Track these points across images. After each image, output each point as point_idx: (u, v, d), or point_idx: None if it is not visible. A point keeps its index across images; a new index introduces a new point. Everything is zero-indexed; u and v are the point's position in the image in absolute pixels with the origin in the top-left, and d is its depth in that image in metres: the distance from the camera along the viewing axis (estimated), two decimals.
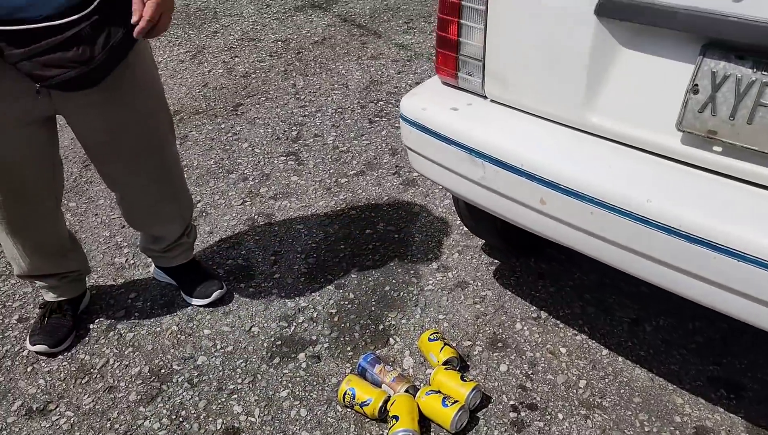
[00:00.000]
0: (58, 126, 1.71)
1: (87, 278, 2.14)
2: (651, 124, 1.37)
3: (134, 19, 1.42)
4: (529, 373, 1.85)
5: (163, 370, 1.88)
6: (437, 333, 1.91)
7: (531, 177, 1.46)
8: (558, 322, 2.02)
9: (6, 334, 2.02)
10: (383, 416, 1.71)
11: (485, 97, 1.69)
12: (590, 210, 1.38)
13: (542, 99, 1.54)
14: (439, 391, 1.73)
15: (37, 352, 1.91)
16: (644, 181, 1.33)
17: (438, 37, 1.74)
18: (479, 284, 2.18)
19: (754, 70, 1.20)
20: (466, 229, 2.35)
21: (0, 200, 1.65)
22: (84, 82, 1.54)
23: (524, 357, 1.90)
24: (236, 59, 4.03)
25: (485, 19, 1.60)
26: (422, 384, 1.81)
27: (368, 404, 1.70)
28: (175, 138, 1.88)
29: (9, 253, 1.81)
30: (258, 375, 1.86)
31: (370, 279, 2.22)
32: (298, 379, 1.85)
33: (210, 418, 1.74)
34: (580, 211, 1.40)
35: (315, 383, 1.84)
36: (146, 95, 1.73)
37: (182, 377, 1.86)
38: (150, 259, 2.24)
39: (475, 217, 2.12)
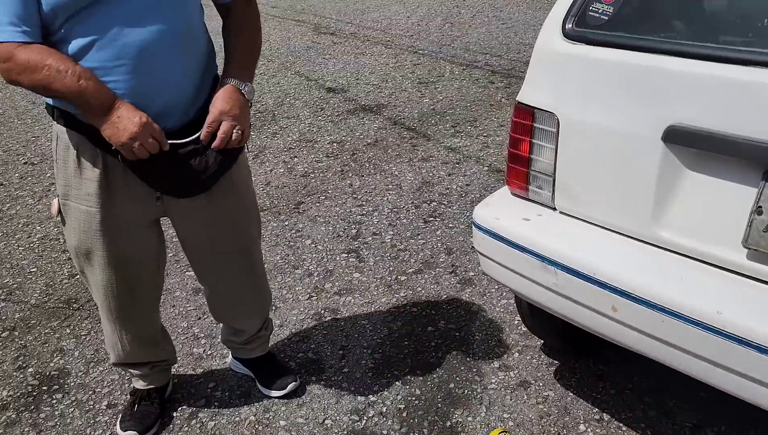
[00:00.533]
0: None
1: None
2: (718, 240, 1.49)
3: (203, 135, 1.63)
4: None
5: None
6: (506, 432, 1.99)
7: (603, 286, 1.58)
8: (621, 424, 2.08)
9: (97, 419, 2.14)
10: None
11: (555, 209, 1.84)
12: (661, 319, 1.48)
13: (612, 213, 1.68)
14: None
15: None
16: (714, 293, 1.45)
17: (510, 153, 1.91)
18: (541, 384, 2.26)
19: None
20: (526, 329, 2.45)
21: (113, 292, 1.82)
22: (198, 189, 1.73)
23: None
24: (295, 159, 4.28)
25: (556, 139, 1.77)
26: None
27: None
28: (260, 237, 2.05)
29: (110, 341, 1.96)
30: None
31: (434, 376, 2.32)
32: None
33: None
34: (652, 319, 1.50)
35: None
36: (242, 199, 1.91)
37: None
38: (226, 350, 2.38)
39: (537, 318, 2.23)
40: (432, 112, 5.09)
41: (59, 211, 1.77)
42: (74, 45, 1.50)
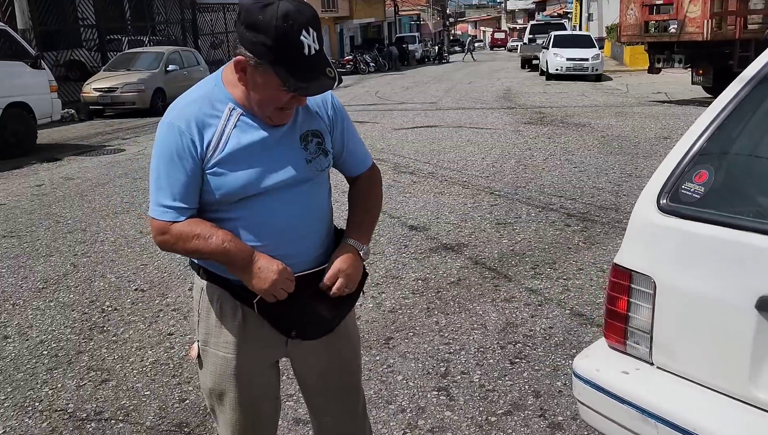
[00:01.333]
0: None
1: None
2: None
3: (324, 284, 1.89)
4: None
5: None
6: None
7: None
8: None
9: None
10: None
11: (652, 364, 1.98)
12: None
13: (709, 373, 1.82)
14: None
15: None
16: None
17: (608, 309, 2.09)
18: None
19: None
20: None
21: (240, 429, 2.03)
22: (323, 330, 1.97)
23: None
24: (383, 295, 4.53)
25: (653, 300, 1.95)
26: None
27: None
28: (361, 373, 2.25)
29: None
30: None
31: None
32: None
33: None
34: None
35: None
36: (351, 339, 2.14)
37: None
38: None
39: None
40: (511, 253, 5.31)
41: (198, 356, 2.03)
42: (229, 226, 1.83)
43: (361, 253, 1.96)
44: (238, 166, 1.82)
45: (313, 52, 1.68)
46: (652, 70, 15.34)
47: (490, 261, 5.15)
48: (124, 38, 22.54)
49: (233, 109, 1.84)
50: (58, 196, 7.91)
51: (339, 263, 1.91)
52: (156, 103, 16.15)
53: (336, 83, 1.75)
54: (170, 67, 16.90)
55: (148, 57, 17.50)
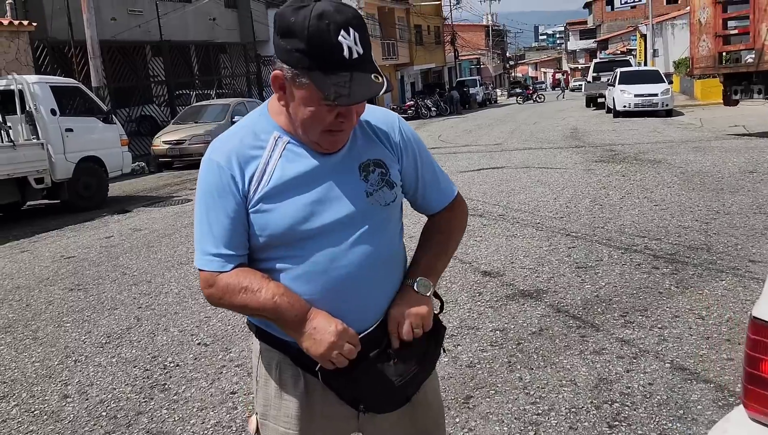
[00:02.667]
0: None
1: None
2: None
3: (393, 344, 1.61)
4: None
5: None
6: None
7: None
8: None
9: None
10: None
11: None
12: None
13: None
14: None
15: None
16: None
17: (748, 373, 1.72)
18: None
19: None
20: None
21: None
22: (399, 401, 1.67)
23: None
24: (459, 347, 4.18)
25: None
26: None
27: None
28: None
29: None
30: None
31: None
32: None
33: None
34: None
35: None
36: (432, 409, 1.82)
37: None
38: None
39: None
40: (596, 300, 4.89)
41: (257, 430, 1.75)
42: (281, 277, 1.57)
43: (427, 292, 1.67)
44: (284, 201, 1.57)
45: (355, 55, 1.44)
46: (729, 102, 14.63)
47: (573, 308, 4.74)
48: (192, 92, 23.24)
49: (279, 137, 1.60)
50: (126, 248, 7.91)
51: (400, 304, 1.63)
52: None
53: (384, 89, 1.47)
54: (236, 118, 17.15)
55: (215, 109, 17.88)
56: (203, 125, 16.91)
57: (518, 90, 49.71)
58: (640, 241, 6.43)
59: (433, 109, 35.35)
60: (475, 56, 65.11)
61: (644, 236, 6.58)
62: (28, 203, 11.08)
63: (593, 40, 76.34)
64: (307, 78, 1.45)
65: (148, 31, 21.89)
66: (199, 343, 4.59)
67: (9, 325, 5.33)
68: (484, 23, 70.21)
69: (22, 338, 4.97)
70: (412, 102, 36.72)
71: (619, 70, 24.35)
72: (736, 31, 13.81)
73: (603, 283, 5.25)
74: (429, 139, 20.10)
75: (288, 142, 1.59)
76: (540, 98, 46.60)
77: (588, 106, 30.48)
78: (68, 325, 5.22)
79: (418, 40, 46.02)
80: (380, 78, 1.48)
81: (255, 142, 1.60)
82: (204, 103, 19.50)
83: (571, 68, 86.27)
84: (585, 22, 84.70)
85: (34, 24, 16.13)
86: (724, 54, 14.29)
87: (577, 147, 15.02)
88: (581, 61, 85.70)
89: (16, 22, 15.49)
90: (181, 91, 23.15)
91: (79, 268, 7.06)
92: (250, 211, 1.57)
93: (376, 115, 1.75)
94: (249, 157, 1.58)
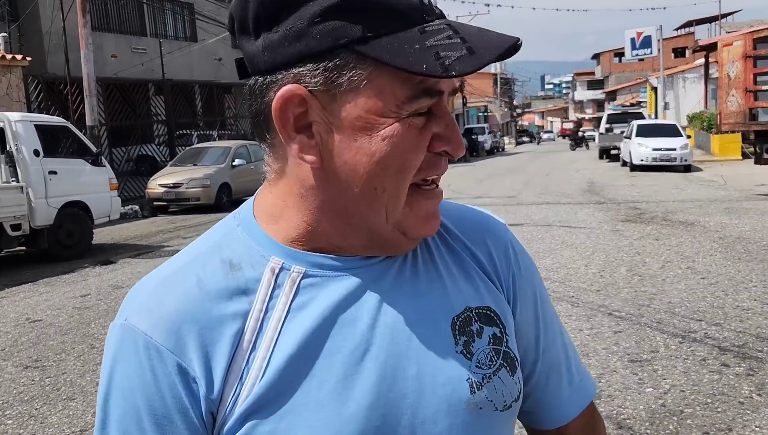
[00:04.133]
0: None
1: None
2: None
3: None
4: None
5: None
6: None
7: None
8: None
9: None
10: None
11: None
12: None
13: None
14: None
15: None
16: None
17: None
18: None
19: None
20: None
21: None
22: None
23: None
24: None
25: None
26: None
27: None
28: None
29: None
30: None
31: None
32: None
33: None
34: None
35: None
36: None
37: None
38: None
39: None
40: (664, 411, 3.91)
41: None
42: None
43: None
44: (303, 410, 0.73)
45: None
46: (760, 160, 13.82)
47: (638, 423, 3.77)
48: (193, 133, 22.57)
49: (281, 268, 0.77)
50: (101, 311, 6.95)
51: None
52: (221, 199, 15.63)
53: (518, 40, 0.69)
54: (237, 162, 16.40)
55: (215, 152, 17.12)
56: (202, 168, 16.11)
57: (572, 137, 48.14)
58: (697, 325, 5.47)
59: None
60: (482, 103, 64.88)
61: (700, 320, 5.62)
62: (4, 251, 10.15)
63: (601, 90, 76.44)
64: (367, 63, 0.69)
65: (151, 70, 21.31)
66: None
67: None
68: (493, 71, 70.35)
69: None
70: None
71: (635, 122, 23.66)
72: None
73: (667, 386, 4.28)
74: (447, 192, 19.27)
75: (303, 275, 0.77)
76: (587, 145, 45.49)
77: (601, 157, 29.77)
78: (9, 421, 4.23)
79: None
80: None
81: (231, 287, 0.76)
82: (204, 145, 18.76)
83: (578, 118, 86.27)
84: (592, 73, 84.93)
85: (28, 58, 15.42)
86: (755, 109, 13.53)
87: (598, 203, 14.15)
88: (588, 111, 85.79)
89: (8, 56, 14.78)
90: (182, 132, 22.46)
91: (42, 337, 6.10)
92: None
93: (466, 219, 0.90)
94: (219, 323, 0.74)
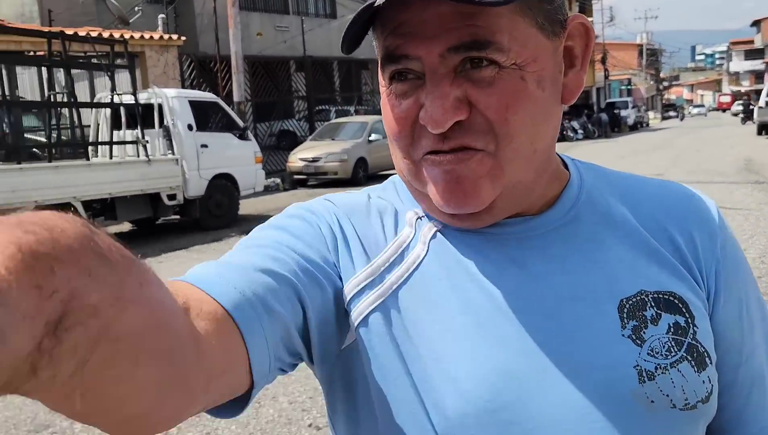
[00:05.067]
0: None
1: None
2: None
3: None
4: None
5: None
6: None
7: None
8: None
9: None
10: None
11: None
12: None
13: None
14: None
15: None
16: None
17: None
18: None
19: None
20: None
21: None
22: None
23: None
24: None
25: None
26: None
27: None
28: None
29: None
30: None
31: None
32: None
33: None
34: None
35: None
36: None
37: None
38: None
39: None
40: None
41: None
42: None
43: None
44: (429, 344, 0.71)
45: None
46: None
47: None
48: (331, 108, 23.11)
49: (420, 216, 0.78)
50: None
51: None
52: (357, 174, 15.89)
53: None
54: (373, 137, 16.59)
55: (353, 126, 17.41)
56: (339, 143, 16.46)
57: (742, 110, 43.73)
58: None
59: (579, 131, 33.38)
60: (626, 76, 61.68)
61: None
62: (161, 219, 10.91)
63: (761, 60, 70.28)
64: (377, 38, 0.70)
65: (293, 47, 21.98)
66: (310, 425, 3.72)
67: None
68: (638, 42, 66.57)
69: None
70: None
71: None
72: None
73: None
74: None
75: (436, 229, 0.76)
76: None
77: (760, 133, 27.42)
78: None
79: None
80: None
81: (379, 221, 0.78)
82: (342, 120, 19.14)
83: (732, 91, 79.96)
84: (751, 41, 78.25)
85: (183, 38, 16.40)
86: None
87: (757, 182, 13.04)
88: (745, 83, 79.26)
89: (166, 37, 15.79)
90: (321, 107, 23.07)
91: None
92: (351, 314, 0.72)
93: (665, 196, 0.81)
94: (374, 230, 0.77)
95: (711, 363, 0.72)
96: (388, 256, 0.74)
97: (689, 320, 0.72)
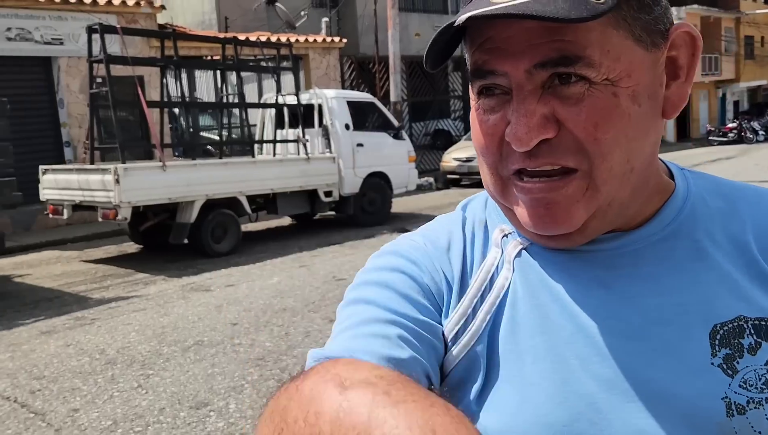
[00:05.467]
0: None
1: None
2: None
3: None
4: None
5: None
6: None
7: None
8: None
9: None
10: None
11: None
12: None
13: None
14: None
15: None
16: None
17: None
18: None
19: None
20: None
21: None
22: None
23: None
24: None
25: None
26: None
27: None
28: None
29: None
30: None
31: None
32: None
33: None
34: None
35: None
36: None
37: None
38: None
39: None
40: None
41: None
42: None
43: None
44: (509, 385, 0.69)
45: None
46: None
47: None
48: None
49: (508, 233, 0.77)
50: None
51: None
52: None
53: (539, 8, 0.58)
54: None
55: None
56: None
57: None
58: None
59: (761, 132, 30.65)
60: None
61: None
62: (318, 214, 11.41)
63: None
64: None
65: None
66: None
67: (262, 356, 5.04)
68: None
69: (268, 377, 4.60)
70: (734, 123, 32.27)
71: None
72: None
73: None
74: (755, 171, 17.10)
75: (523, 246, 0.75)
76: None
77: None
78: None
79: (747, 53, 40.62)
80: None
81: (470, 246, 0.78)
82: None
83: None
84: None
85: (345, 40, 17.01)
86: None
87: None
88: None
89: (328, 39, 16.45)
90: None
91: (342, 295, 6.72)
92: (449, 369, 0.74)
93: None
94: (468, 254, 0.78)
95: None
96: (479, 286, 0.73)
97: None
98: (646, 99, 0.65)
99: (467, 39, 0.66)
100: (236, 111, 11.26)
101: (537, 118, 0.62)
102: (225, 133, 11.03)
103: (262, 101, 11.55)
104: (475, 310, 0.72)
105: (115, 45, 9.03)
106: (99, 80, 9.15)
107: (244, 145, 11.18)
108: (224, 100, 11.02)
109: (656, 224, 0.72)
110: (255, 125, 11.60)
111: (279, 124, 11.20)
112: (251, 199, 9.69)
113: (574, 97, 0.62)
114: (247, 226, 10.59)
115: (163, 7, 13.54)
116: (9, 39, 11.49)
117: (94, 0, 12.26)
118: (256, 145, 10.77)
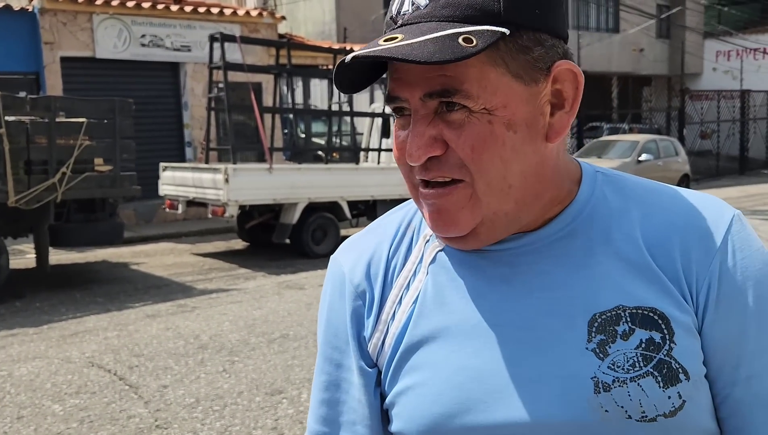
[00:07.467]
0: None
1: None
2: None
3: None
4: None
5: None
6: None
7: None
8: None
9: None
10: None
11: None
12: None
13: None
14: None
15: None
16: None
17: None
18: None
19: None
20: None
21: None
22: None
23: None
24: None
25: None
26: None
27: None
28: None
29: None
30: None
31: None
32: None
33: None
34: None
35: None
36: None
37: None
38: None
39: None
40: None
41: None
42: None
43: None
44: (418, 368, 0.82)
45: (406, 9, 0.76)
46: None
47: None
48: (605, 125, 22.30)
49: (428, 238, 0.88)
50: None
51: None
52: None
53: (410, 52, 0.69)
54: (643, 157, 15.67)
55: (623, 145, 16.63)
56: (606, 161, 15.81)
57: None
58: None
59: None
60: None
61: None
62: None
63: None
64: None
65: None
66: None
67: None
68: None
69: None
70: None
71: None
72: None
73: None
74: None
75: (439, 249, 0.85)
76: None
77: None
78: None
79: None
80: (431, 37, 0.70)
81: (402, 240, 0.90)
82: (611, 137, 18.35)
83: None
84: None
85: None
86: None
87: None
88: None
89: None
90: (593, 124, 22.38)
91: None
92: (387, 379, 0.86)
93: (667, 209, 0.82)
94: (392, 265, 0.88)
95: (687, 379, 0.73)
96: (397, 293, 0.85)
97: (666, 337, 0.74)
98: (523, 127, 0.74)
99: (388, 68, 0.78)
100: (347, 118, 11.63)
101: (426, 138, 0.74)
102: (334, 139, 11.40)
103: (370, 111, 11.88)
104: (393, 316, 0.84)
105: (237, 53, 9.60)
106: (220, 85, 9.77)
107: (349, 151, 11.51)
108: (334, 108, 11.42)
109: (555, 226, 0.81)
110: (362, 134, 11.93)
111: (385, 133, 11.47)
112: (352, 204, 9.98)
113: (457, 122, 0.73)
114: (348, 231, 10.91)
115: (283, 17, 14.20)
116: (143, 45, 12.48)
117: (221, 10, 13.08)
118: (361, 153, 11.07)
